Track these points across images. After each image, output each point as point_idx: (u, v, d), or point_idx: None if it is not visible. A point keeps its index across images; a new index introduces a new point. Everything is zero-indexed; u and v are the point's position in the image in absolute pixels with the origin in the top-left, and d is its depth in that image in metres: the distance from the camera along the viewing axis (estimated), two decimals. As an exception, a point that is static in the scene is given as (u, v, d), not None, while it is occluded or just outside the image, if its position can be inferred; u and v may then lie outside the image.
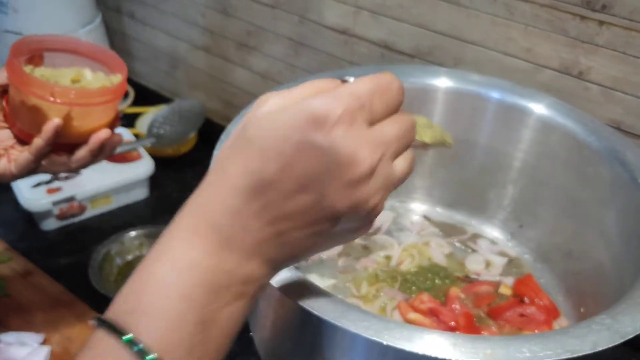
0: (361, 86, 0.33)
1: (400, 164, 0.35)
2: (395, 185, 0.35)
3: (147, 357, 0.31)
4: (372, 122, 0.33)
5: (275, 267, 0.35)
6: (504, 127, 0.69)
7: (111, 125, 0.58)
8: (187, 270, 0.33)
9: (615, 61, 0.64)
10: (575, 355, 0.40)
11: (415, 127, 0.36)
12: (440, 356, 0.39)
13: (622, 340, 0.41)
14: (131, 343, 0.31)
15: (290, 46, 0.93)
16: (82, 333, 0.69)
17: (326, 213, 0.33)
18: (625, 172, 0.58)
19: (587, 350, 0.40)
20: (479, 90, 0.69)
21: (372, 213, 0.34)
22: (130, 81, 1.24)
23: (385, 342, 0.39)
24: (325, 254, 0.73)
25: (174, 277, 0.33)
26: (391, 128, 0.33)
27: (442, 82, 0.70)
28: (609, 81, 0.66)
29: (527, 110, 0.67)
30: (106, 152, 0.59)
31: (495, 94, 0.68)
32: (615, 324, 0.42)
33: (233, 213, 0.33)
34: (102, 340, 0.32)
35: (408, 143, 0.35)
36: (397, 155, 0.34)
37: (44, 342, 0.68)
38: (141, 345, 0.31)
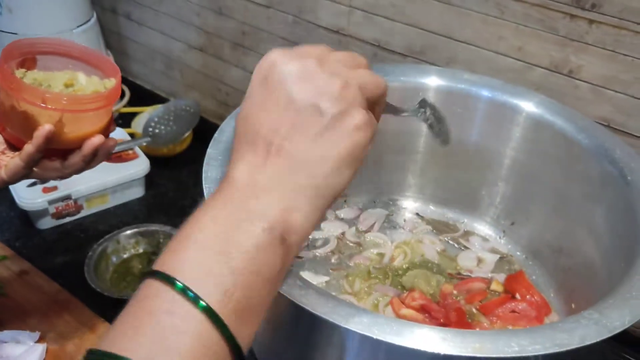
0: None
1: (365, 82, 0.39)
2: (358, 66, 0.40)
3: (200, 303, 0.32)
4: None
5: (314, 207, 0.38)
6: (494, 125, 0.70)
7: (105, 131, 0.57)
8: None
9: (605, 59, 0.65)
10: (564, 349, 0.41)
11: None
12: (429, 350, 0.40)
13: (609, 335, 0.42)
14: (184, 290, 0.32)
15: (285, 46, 0.93)
16: (78, 331, 0.70)
17: (306, 110, 0.37)
18: (615, 170, 0.59)
19: (576, 344, 0.41)
20: (469, 88, 0.69)
21: (346, 95, 0.37)
22: (126, 81, 1.25)
23: (375, 337, 0.40)
24: (318, 252, 0.74)
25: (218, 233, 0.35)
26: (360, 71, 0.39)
27: (433, 80, 0.71)
28: (598, 79, 0.66)
29: (517, 109, 0.67)
30: (100, 158, 0.58)
31: (485, 93, 0.69)
32: (603, 318, 0.43)
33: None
34: (154, 288, 0.33)
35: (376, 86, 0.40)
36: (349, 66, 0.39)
37: (39, 341, 0.68)
38: (193, 293, 0.32)
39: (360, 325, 0.41)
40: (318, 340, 0.50)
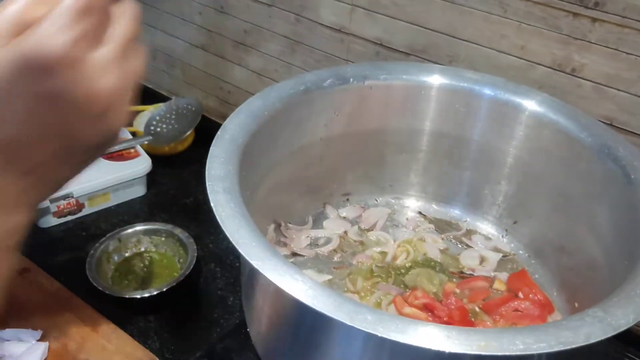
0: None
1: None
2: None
3: None
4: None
5: (36, 207, 0.37)
6: (497, 123, 0.70)
7: None
8: None
9: (608, 58, 0.65)
10: (569, 347, 0.40)
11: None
12: (434, 348, 0.40)
13: (614, 333, 0.42)
14: None
15: (287, 44, 0.93)
16: (79, 330, 0.70)
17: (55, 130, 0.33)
18: (618, 168, 0.59)
19: (581, 342, 0.41)
20: (472, 87, 0.69)
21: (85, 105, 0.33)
22: (127, 80, 1.24)
23: (380, 335, 0.40)
24: (321, 250, 0.74)
25: None
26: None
27: (435, 79, 0.70)
28: (601, 78, 0.66)
29: (520, 107, 0.67)
30: None
31: (488, 91, 0.69)
32: (607, 316, 0.43)
33: None
34: None
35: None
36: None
37: (41, 339, 0.68)
38: None
39: (364, 323, 0.41)
40: (322, 338, 0.49)
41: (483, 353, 0.39)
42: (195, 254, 0.78)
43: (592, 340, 0.41)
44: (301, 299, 0.42)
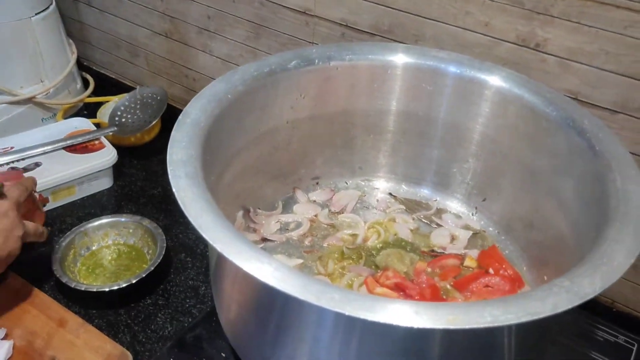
0: None
1: None
2: None
3: None
4: None
5: None
6: (463, 101, 0.70)
7: None
8: None
9: (571, 32, 0.65)
10: (536, 317, 0.40)
11: None
12: (403, 324, 0.39)
13: (581, 302, 0.42)
14: None
15: (251, 29, 0.92)
16: (45, 326, 0.68)
17: None
18: (583, 141, 0.59)
19: (548, 311, 0.41)
20: (437, 65, 0.69)
21: None
22: (89, 70, 1.22)
23: (347, 313, 0.39)
24: (291, 235, 0.73)
25: None
26: None
27: (401, 58, 0.70)
28: (564, 52, 0.66)
29: (485, 84, 0.67)
30: None
31: (453, 69, 0.68)
32: (574, 286, 0.43)
33: None
34: None
35: None
36: None
37: (5, 337, 0.66)
38: None
39: (332, 302, 0.40)
40: (292, 322, 0.49)
41: (451, 327, 0.39)
42: (165, 245, 0.77)
43: (559, 310, 0.41)
44: (268, 282, 0.41)
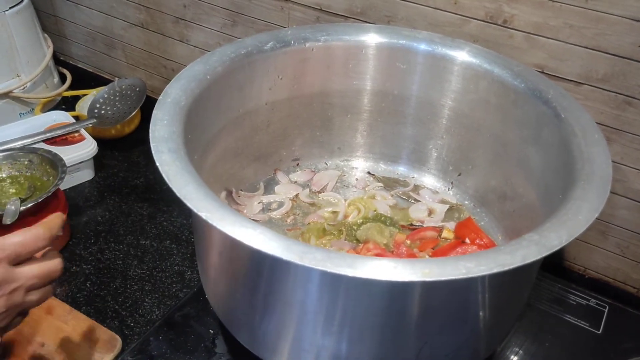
0: (9, 240, 0.47)
1: (33, 296, 0.49)
2: (23, 308, 0.49)
3: None
4: (16, 264, 0.47)
5: None
6: (435, 78, 0.72)
7: None
8: None
9: (536, 7, 0.67)
10: (507, 268, 0.43)
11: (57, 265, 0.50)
12: (382, 278, 0.41)
13: (548, 253, 0.45)
14: None
15: (227, 16, 0.93)
16: (32, 313, 0.68)
17: None
18: (549, 109, 0.62)
19: (518, 262, 0.43)
20: (409, 43, 0.71)
21: None
22: (66, 65, 1.21)
23: (329, 270, 0.41)
24: (273, 214, 0.75)
25: None
26: (30, 269, 0.48)
27: (373, 38, 0.72)
28: (531, 27, 0.69)
29: (455, 60, 0.69)
30: None
31: (424, 46, 0.71)
32: (542, 239, 0.46)
33: None
34: None
35: (46, 279, 0.49)
36: (33, 288, 0.48)
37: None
38: None
39: (314, 261, 0.42)
40: (279, 287, 0.50)
41: (427, 279, 0.41)
42: (66, 167, 0.79)
43: (529, 260, 0.43)
44: (252, 244, 0.43)
